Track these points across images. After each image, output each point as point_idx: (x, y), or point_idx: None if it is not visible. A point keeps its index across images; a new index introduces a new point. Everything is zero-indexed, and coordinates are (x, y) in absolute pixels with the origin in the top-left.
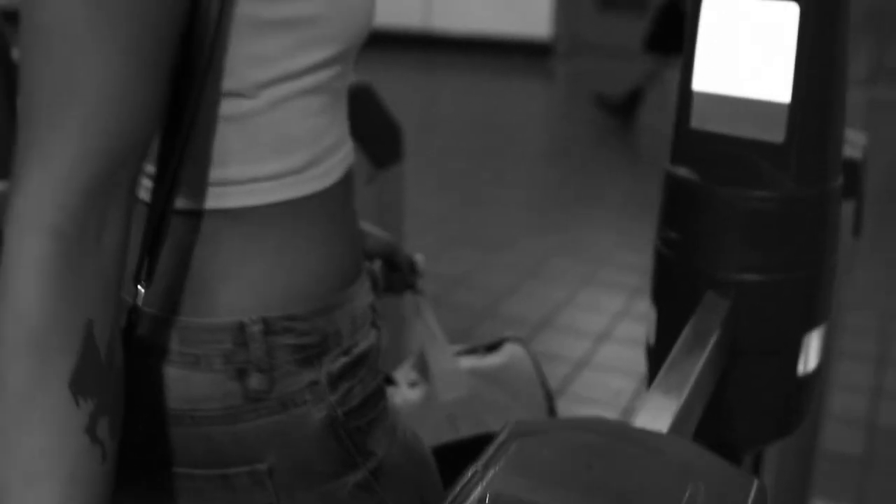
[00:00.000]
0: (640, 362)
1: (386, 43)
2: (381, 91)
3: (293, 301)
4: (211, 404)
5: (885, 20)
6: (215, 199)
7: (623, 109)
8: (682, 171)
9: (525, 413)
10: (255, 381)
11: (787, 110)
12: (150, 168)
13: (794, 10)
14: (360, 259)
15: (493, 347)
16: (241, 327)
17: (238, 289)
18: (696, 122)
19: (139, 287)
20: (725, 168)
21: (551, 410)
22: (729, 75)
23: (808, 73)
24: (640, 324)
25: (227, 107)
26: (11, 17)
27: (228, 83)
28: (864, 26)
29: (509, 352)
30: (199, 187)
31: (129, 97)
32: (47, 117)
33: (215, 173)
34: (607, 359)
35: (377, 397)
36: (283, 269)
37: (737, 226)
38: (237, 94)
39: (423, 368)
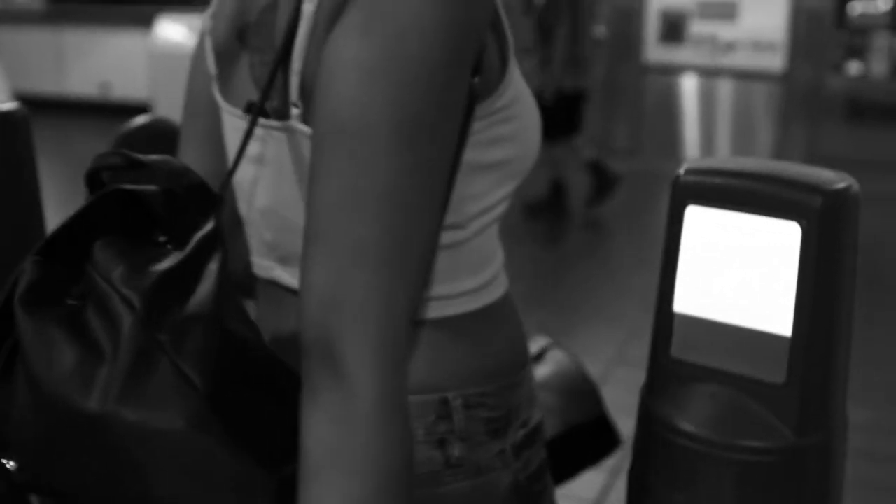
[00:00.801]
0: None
1: None
2: None
3: (485, 380)
4: (415, 470)
5: (819, 109)
6: (420, 313)
7: (550, 207)
8: (659, 409)
9: (579, 412)
10: (456, 449)
11: (788, 346)
12: None
13: (796, 231)
14: (528, 346)
15: (538, 358)
16: (444, 402)
17: (439, 372)
18: (677, 350)
19: None
20: (711, 409)
21: (598, 402)
22: (717, 298)
23: (813, 303)
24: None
25: (444, 237)
26: None
27: (450, 217)
28: (798, 113)
29: (554, 358)
30: None
31: (435, 240)
32: (391, 266)
33: (424, 292)
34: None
35: (546, 463)
36: (477, 355)
37: (725, 482)
38: (455, 227)
39: None
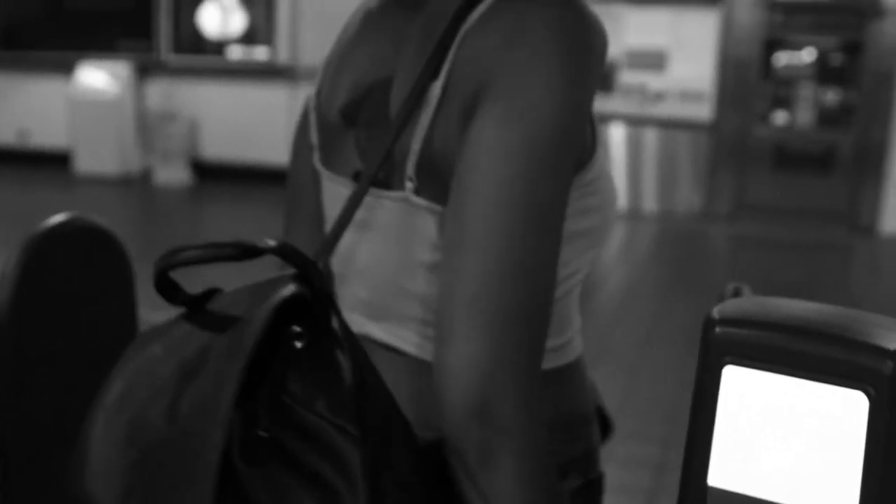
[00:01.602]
0: None
1: (264, 179)
2: (249, 223)
3: (549, 432)
4: None
5: (746, 157)
6: None
7: None
8: None
9: None
10: None
11: None
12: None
13: (862, 401)
14: (593, 407)
15: None
16: None
17: None
18: None
19: None
20: None
21: (596, 396)
22: (762, 473)
23: (883, 483)
24: None
25: None
26: None
27: None
28: (725, 162)
29: None
30: None
31: None
32: (537, 330)
33: None
34: None
35: None
36: (546, 410)
37: None
38: None
39: None
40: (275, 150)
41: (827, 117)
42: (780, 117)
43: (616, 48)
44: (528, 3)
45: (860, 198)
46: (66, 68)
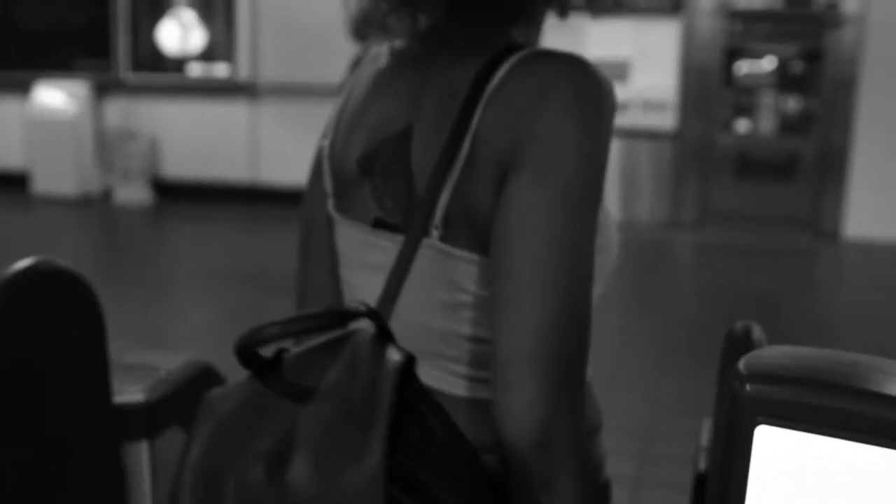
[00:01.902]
0: None
1: (226, 196)
2: (212, 242)
3: None
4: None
5: (711, 164)
6: None
7: None
8: None
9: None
10: None
11: None
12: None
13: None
14: (601, 419)
15: None
16: None
17: None
18: None
19: None
20: None
21: None
22: None
23: None
24: None
25: None
26: None
27: None
28: (689, 170)
29: None
30: None
31: None
32: (585, 369)
33: None
34: None
35: None
36: None
37: None
38: None
39: None
40: (236, 167)
41: (788, 125)
42: (742, 125)
43: None
44: (546, 67)
45: (823, 203)
46: (23, 88)
